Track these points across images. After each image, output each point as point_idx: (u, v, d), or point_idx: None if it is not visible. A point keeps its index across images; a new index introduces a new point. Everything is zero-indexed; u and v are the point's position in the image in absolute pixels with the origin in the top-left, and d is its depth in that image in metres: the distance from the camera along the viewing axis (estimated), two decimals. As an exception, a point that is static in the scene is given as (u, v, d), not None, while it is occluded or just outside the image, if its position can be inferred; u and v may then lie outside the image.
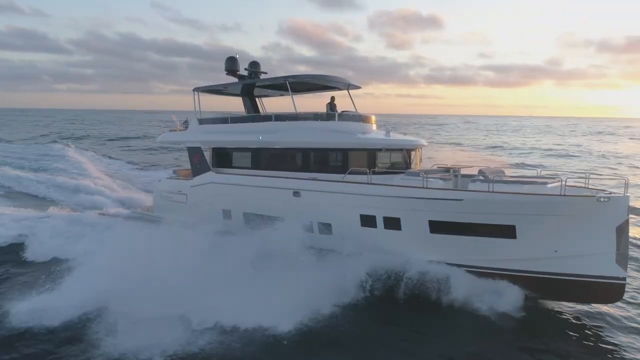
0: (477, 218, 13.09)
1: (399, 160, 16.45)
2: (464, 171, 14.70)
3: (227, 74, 21.04)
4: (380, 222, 14.56)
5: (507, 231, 12.97)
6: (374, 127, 18.14)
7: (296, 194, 16.13)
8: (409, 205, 13.86)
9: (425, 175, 13.84)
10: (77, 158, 45.24)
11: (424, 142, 17.23)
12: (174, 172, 23.21)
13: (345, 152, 15.97)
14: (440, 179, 14.71)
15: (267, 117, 17.99)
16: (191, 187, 20.12)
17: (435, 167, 16.78)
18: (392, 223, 14.34)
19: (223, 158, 19.98)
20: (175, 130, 22.59)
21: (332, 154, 16.28)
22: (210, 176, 19.26)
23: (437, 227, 13.70)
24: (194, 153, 20.15)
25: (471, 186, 13.83)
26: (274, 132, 17.32)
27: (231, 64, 20.81)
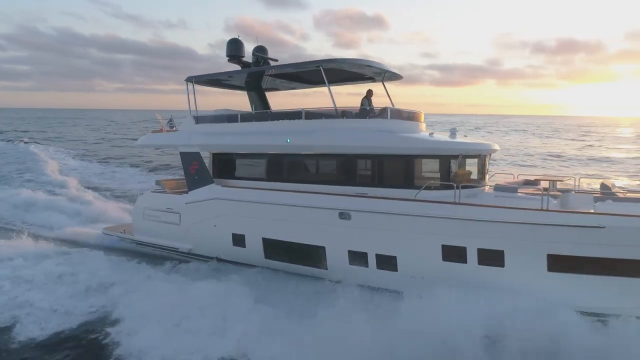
0: (623, 252, 9.50)
1: (475, 170, 12.73)
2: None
3: (229, 60, 16.67)
4: (472, 256, 10.75)
5: None
6: (424, 126, 14.34)
7: (344, 215, 12.07)
8: (520, 234, 10.11)
9: (545, 193, 10.14)
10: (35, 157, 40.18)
11: (497, 146, 13.57)
12: (158, 183, 18.54)
13: (409, 160, 12.07)
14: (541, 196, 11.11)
15: (295, 114, 13.83)
16: (186, 203, 15.60)
17: (520, 179, 13.24)
18: (492, 257, 10.56)
19: (228, 166, 15.64)
20: (159, 132, 17.95)
21: (391, 162, 12.33)
22: (214, 190, 14.85)
23: (560, 263, 10.02)
24: (191, 160, 15.64)
25: (601, 207, 10.29)
26: (308, 133, 13.20)
27: (235, 48, 16.46)
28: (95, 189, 29.16)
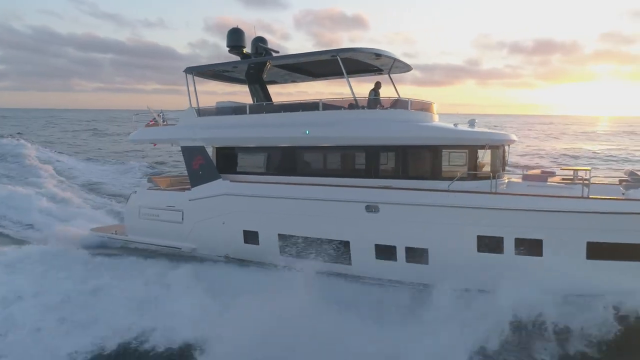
0: None
1: (497, 160, 12.67)
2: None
3: (230, 51, 16.00)
4: (509, 246, 10.63)
5: None
6: (437, 117, 14.15)
7: (371, 208, 11.72)
8: (560, 223, 10.08)
9: (585, 181, 10.17)
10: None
11: (515, 137, 13.59)
12: (150, 180, 17.54)
13: (435, 151, 11.86)
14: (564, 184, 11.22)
15: (312, 106, 13.34)
16: (190, 200, 14.80)
17: (536, 171, 13.32)
18: (530, 247, 10.48)
19: (235, 161, 14.95)
20: (152, 125, 16.98)
21: (417, 153, 12.09)
22: (222, 185, 14.14)
23: (600, 251, 10.06)
24: (194, 154, 14.85)
25: (634, 194, 10.43)
26: (328, 125, 12.76)
27: (236, 39, 15.84)
28: (79, 186, 28.01)
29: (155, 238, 15.50)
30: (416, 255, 11.51)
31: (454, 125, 12.54)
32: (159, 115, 17.37)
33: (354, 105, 13.02)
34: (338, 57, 12.91)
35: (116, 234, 16.71)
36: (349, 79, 16.94)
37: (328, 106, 13.27)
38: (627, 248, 9.80)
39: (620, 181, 11.84)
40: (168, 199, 15.38)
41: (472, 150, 11.81)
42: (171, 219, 15.13)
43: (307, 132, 12.78)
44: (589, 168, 12.31)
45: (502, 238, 10.61)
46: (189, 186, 15.50)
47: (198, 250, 14.80)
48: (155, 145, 20.18)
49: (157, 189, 16.35)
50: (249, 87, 16.67)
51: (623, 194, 10.84)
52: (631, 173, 11.71)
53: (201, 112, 15.32)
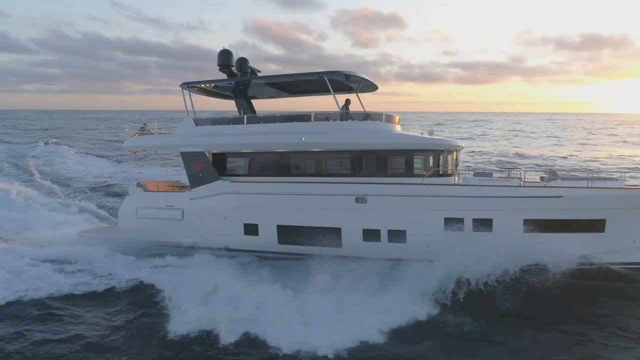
0: (575, 214, 13.43)
1: (452, 162, 16.09)
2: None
3: (220, 69, 18.25)
4: (468, 225, 13.97)
5: (598, 225, 13.59)
6: (400, 127, 17.34)
7: (360, 200, 14.57)
8: (505, 205, 13.59)
9: (520, 176, 13.79)
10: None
11: (463, 143, 17.15)
12: (139, 184, 19.05)
13: (409, 154, 15.02)
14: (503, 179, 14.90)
15: (304, 117, 15.98)
16: (190, 199, 16.71)
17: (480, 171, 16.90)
18: (483, 224, 13.88)
19: (230, 164, 17.11)
20: (147, 133, 18.67)
21: (394, 156, 15.17)
22: (223, 185, 16.25)
23: (532, 225, 13.67)
24: (194, 159, 16.81)
25: (553, 184, 14.23)
26: (322, 133, 15.46)
27: (226, 58, 18.11)
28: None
29: (154, 235, 17.08)
30: (397, 236, 14.49)
31: (421, 134, 15.84)
32: (145, 123, 19.21)
33: (327, 117, 15.90)
34: (325, 78, 15.71)
35: (109, 232, 18.05)
36: (320, 96, 20.02)
37: (319, 117, 15.99)
38: (549, 223, 13.51)
39: (541, 178, 15.74)
40: (167, 199, 17.12)
41: (436, 153, 15.12)
42: (171, 217, 16.87)
43: (304, 139, 15.39)
44: (519, 168, 16.13)
45: (463, 219, 13.94)
46: (178, 188, 17.48)
47: (197, 244, 16.67)
48: (135, 152, 21.57)
49: (151, 191, 17.98)
50: (235, 101, 18.97)
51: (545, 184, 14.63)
52: (549, 171, 15.61)
53: (198, 122, 17.35)
